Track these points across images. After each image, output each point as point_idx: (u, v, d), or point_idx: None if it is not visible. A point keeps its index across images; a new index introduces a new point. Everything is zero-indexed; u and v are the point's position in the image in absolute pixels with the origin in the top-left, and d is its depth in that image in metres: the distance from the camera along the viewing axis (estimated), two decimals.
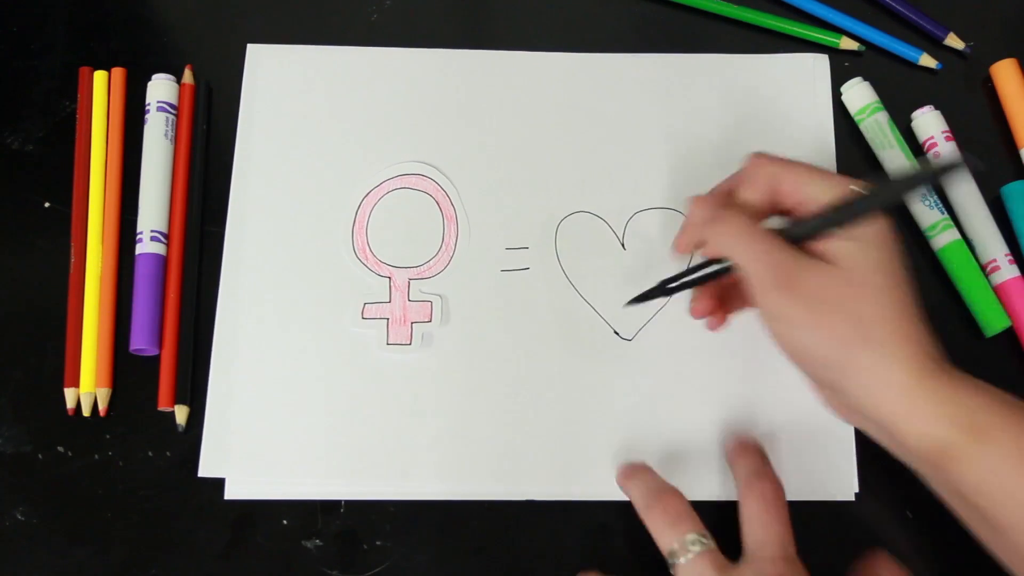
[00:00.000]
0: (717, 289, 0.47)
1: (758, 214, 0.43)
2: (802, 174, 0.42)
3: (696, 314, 0.47)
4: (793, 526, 0.43)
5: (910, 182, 0.39)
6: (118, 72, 0.53)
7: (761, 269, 0.41)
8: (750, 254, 0.41)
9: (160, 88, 0.52)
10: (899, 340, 0.39)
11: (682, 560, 0.41)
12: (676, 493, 0.43)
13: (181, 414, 0.47)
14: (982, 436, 0.37)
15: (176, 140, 0.52)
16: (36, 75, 0.54)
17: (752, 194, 0.43)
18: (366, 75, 0.53)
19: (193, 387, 0.48)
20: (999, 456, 0.37)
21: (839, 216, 0.40)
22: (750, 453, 0.45)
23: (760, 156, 0.44)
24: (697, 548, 0.41)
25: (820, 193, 0.41)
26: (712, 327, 0.48)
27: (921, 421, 0.38)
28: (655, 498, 0.43)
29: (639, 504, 0.44)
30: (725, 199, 0.45)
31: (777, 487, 0.43)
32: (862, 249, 0.40)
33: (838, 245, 0.40)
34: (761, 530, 0.42)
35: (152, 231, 0.50)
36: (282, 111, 0.52)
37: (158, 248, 0.50)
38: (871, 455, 0.47)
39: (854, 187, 0.41)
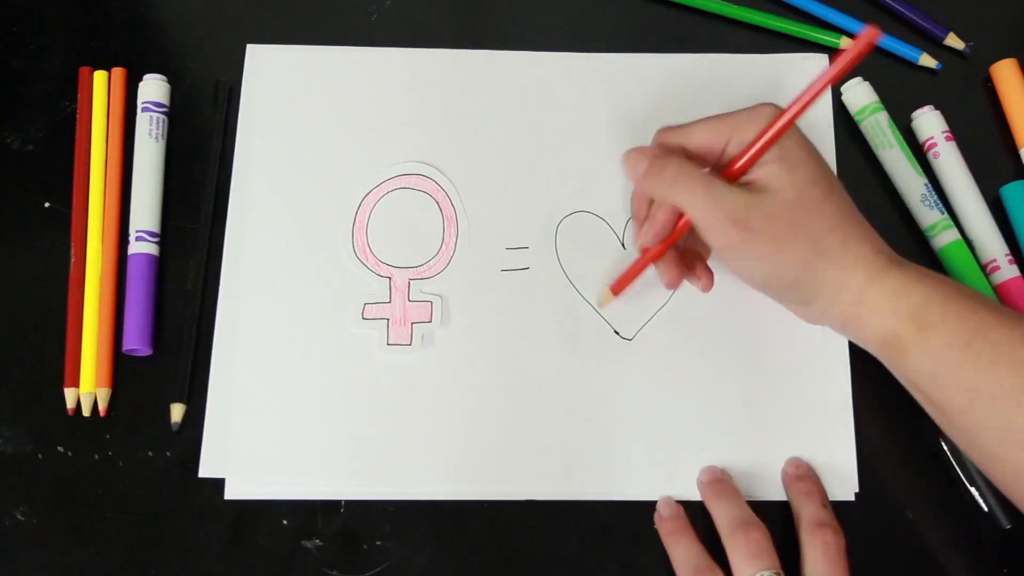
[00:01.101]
0: (678, 252, 0.47)
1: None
2: (707, 128, 0.44)
3: (671, 285, 0.47)
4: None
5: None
6: (118, 72, 0.53)
7: (710, 213, 0.42)
8: (696, 199, 0.42)
9: (148, 88, 0.52)
10: (848, 245, 0.42)
11: None
12: (761, 527, 0.43)
13: (177, 412, 0.47)
14: (925, 326, 0.40)
15: (171, 139, 0.52)
16: (36, 75, 0.54)
17: None
18: (366, 75, 0.53)
19: (192, 386, 0.48)
20: (940, 344, 0.40)
21: (765, 138, 0.41)
22: (812, 490, 0.45)
23: (663, 130, 0.45)
24: None
25: (733, 133, 0.43)
26: (705, 289, 0.47)
27: (873, 317, 0.41)
28: (741, 527, 0.43)
29: (724, 527, 0.44)
30: (662, 150, 0.45)
31: (840, 538, 0.43)
32: (792, 169, 0.42)
33: (768, 171, 0.42)
34: None
35: (138, 231, 0.50)
36: (282, 111, 0.52)
37: (148, 248, 0.50)
38: (871, 455, 0.47)
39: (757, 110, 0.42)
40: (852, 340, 0.44)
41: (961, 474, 0.46)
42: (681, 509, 0.46)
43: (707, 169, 0.44)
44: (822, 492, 0.46)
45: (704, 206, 0.42)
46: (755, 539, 0.43)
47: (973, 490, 0.46)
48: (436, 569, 0.46)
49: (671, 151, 0.44)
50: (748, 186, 0.42)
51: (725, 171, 0.43)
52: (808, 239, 0.41)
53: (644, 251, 0.46)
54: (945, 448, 0.47)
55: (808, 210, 0.41)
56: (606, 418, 0.47)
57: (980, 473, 0.46)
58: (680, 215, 0.44)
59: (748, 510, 0.44)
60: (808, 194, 0.41)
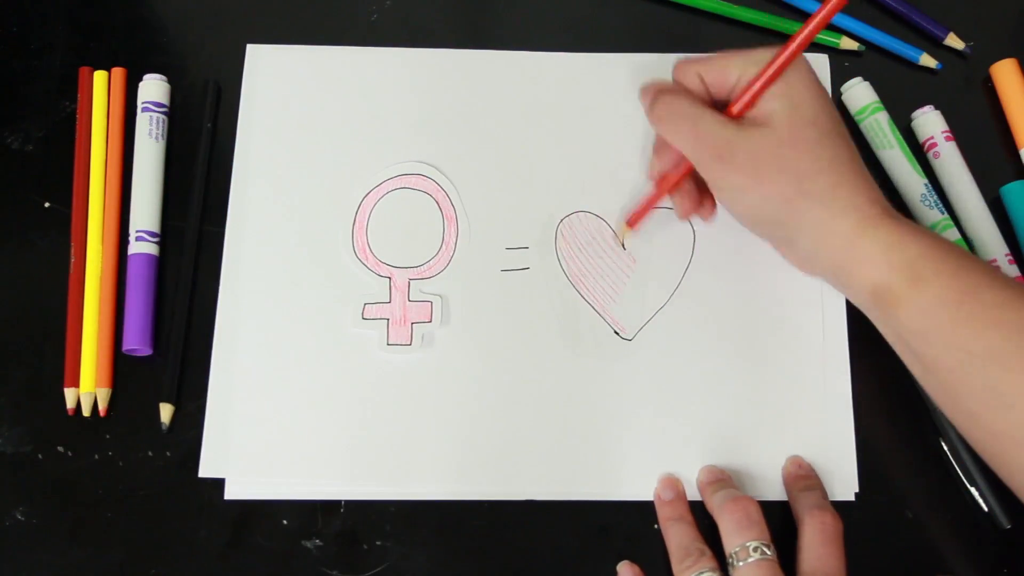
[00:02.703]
0: (695, 184, 0.48)
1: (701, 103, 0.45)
2: (722, 60, 0.44)
3: (683, 216, 0.49)
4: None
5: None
6: (118, 72, 0.53)
7: (696, 147, 0.43)
8: (683, 135, 0.44)
9: (148, 88, 0.52)
10: (839, 190, 0.41)
11: (740, 564, 0.42)
12: (752, 500, 0.43)
13: (165, 413, 0.47)
14: (918, 280, 0.39)
15: (171, 139, 0.52)
16: (36, 75, 0.54)
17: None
18: (366, 75, 0.53)
19: (185, 386, 0.48)
20: (932, 301, 0.39)
21: (763, 77, 0.42)
22: (813, 486, 0.46)
23: (682, 61, 0.46)
24: (757, 555, 0.41)
25: (742, 71, 0.43)
26: (706, 217, 0.49)
27: (864, 267, 0.41)
28: (731, 500, 0.43)
29: (714, 504, 0.44)
30: (667, 84, 0.46)
31: (838, 522, 0.43)
32: (794, 107, 0.42)
33: (771, 108, 0.42)
34: (817, 561, 0.42)
35: (138, 231, 0.50)
36: (282, 111, 0.52)
37: (148, 248, 0.50)
38: (871, 455, 0.47)
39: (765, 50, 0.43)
40: (842, 291, 0.44)
41: (961, 474, 0.46)
42: (681, 490, 0.46)
43: (712, 100, 0.45)
44: (822, 488, 0.46)
45: (688, 141, 0.44)
46: (743, 508, 0.43)
47: (973, 490, 0.46)
48: (436, 569, 0.46)
49: (687, 80, 0.45)
50: (746, 120, 0.43)
51: (728, 107, 0.44)
52: (793, 177, 0.41)
53: (659, 182, 0.48)
54: (945, 448, 0.47)
55: (799, 149, 0.41)
56: (606, 418, 0.47)
57: (980, 473, 0.46)
58: None
59: (741, 492, 0.44)
60: (802, 133, 0.42)
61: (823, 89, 0.43)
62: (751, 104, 0.43)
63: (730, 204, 0.45)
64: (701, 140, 0.43)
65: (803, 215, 0.42)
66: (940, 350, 0.40)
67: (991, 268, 0.40)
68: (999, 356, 0.38)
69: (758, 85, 0.42)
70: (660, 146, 0.48)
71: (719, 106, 0.45)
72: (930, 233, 0.41)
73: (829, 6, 0.40)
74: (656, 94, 0.45)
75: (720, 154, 0.43)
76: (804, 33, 0.41)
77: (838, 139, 0.42)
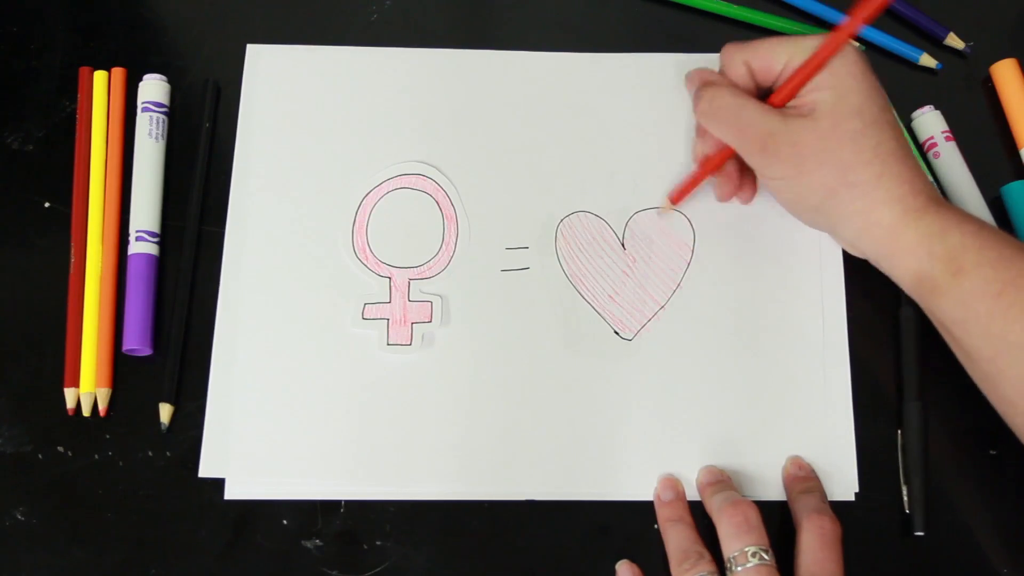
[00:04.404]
0: (735, 167, 0.48)
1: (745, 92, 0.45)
2: (768, 47, 0.45)
3: (722, 198, 0.49)
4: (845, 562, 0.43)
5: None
6: (118, 72, 0.53)
7: (740, 139, 0.44)
8: (727, 128, 0.45)
9: (148, 88, 0.52)
10: (882, 180, 0.42)
11: (739, 569, 0.42)
12: (752, 504, 0.43)
13: (165, 413, 0.47)
14: (959, 272, 0.40)
15: (171, 139, 0.52)
16: (36, 75, 0.54)
17: (734, 81, 0.46)
18: (366, 75, 0.53)
19: (185, 386, 0.48)
20: (972, 291, 0.40)
21: (806, 68, 0.42)
22: (813, 488, 0.45)
23: (730, 45, 0.46)
24: (756, 561, 0.41)
25: (789, 57, 0.44)
26: (745, 201, 0.50)
27: (906, 257, 0.41)
28: (730, 504, 0.43)
29: (714, 507, 0.44)
30: (711, 76, 0.47)
31: (837, 527, 0.43)
32: (839, 97, 0.42)
33: (816, 98, 0.43)
34: (815, 565, 0.42)
35: (138, 231, 0.50)
36: (282, 111, 0.52)
37: (148, 248, 0.50)
38: (871, 455, 0.47)
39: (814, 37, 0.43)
40: (886, 274, 0.44)
41: (901, 470, 0.46)
42: (681, 490, 0.46)
43: (756, 87, 0.46)
44: (822, 490, 0.46)
45: (732, 134, 0.45)
46: (743, 512, 0.43)
47: (904, 488, 0.46)
48: (436, 569, 0.46)
49: (733, 66, 0.46)
50: (790, 110, 0.44)
51: (772, 96, 0.44)
52: (836, 168, 0.42)
53: (702, 164, 0.48)
54: (899, 443, 0.47)
55: (842, 140, 0.42)
56: (606, 418, 0.47)
57: (918, 473, 0.46)
58: None
59: (740, 495, 0.44)
60: (847, 124, 0.42)
61: (872, 77, 0.43)
62: (791, 95, 0.44)
63: (775, 192, 0.46)
64: (744, 132, 0.44)
65: (846, 205, 0.42)
66: (979, 339, 0.40)
67: None
68: None
69: (796, 80, 0.43)
70: (702, 130, 0.48)
71: (764, 93, 0.45)
72: (975, 220, 0.42)
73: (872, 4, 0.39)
74: (701, 87, 0.46)
75: (764, 145, 0.43)
76: (842, 29, 0.41)
77: (884, 128, 0.42)
